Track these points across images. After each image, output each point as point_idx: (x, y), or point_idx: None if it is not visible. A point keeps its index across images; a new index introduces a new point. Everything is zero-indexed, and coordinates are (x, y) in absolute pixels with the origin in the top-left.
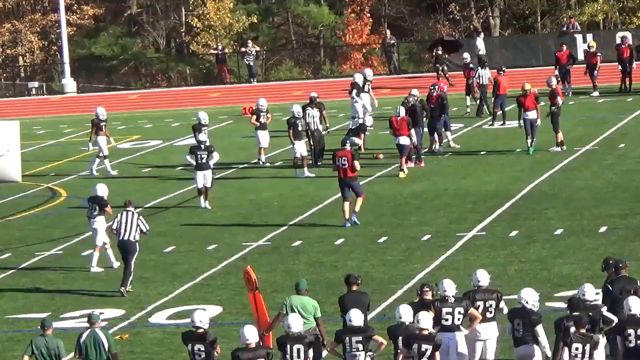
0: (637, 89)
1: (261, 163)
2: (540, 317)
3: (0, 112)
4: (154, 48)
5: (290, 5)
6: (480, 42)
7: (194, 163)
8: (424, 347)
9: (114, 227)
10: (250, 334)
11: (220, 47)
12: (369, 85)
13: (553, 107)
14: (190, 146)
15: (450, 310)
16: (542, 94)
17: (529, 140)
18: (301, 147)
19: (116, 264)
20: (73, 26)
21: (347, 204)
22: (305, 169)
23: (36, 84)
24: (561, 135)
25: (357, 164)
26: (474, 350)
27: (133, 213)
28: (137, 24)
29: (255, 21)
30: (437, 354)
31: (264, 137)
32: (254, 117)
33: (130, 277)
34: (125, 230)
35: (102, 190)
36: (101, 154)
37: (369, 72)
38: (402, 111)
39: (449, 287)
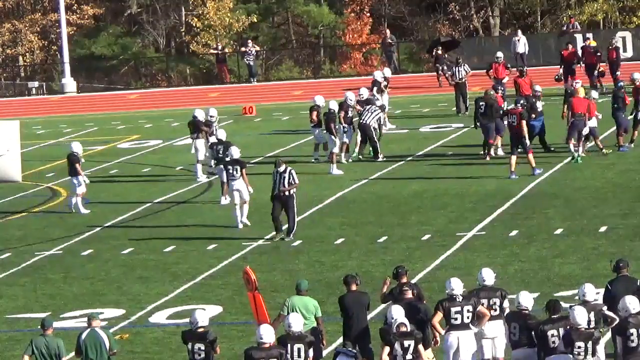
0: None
1: (314, 159)
2: (537, 321)
3: (0, 112)
4: (154, 48)
5: (290, 5)
6: (517, 41)
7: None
8: (406, 343)
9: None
10: (266, 333)
11: (220, 47)
12: (385, 85)
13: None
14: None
15: (459, 309)
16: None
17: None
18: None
19: (241, 225)
20: (73, 26)
21: (513, 158)
22: (334, 165)
23: (36, 83)
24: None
25: (524, 123)
26: (483, 349)
27: None
28: (137, 23)
29: (255, 21)
30: (421, 347)
31: (320, 134)
32: (315, 113)
33: None
34: None
35: (236, 152)
36: (198, 157)
37: (387, 72)
38: (595, 94)
39: (457, 286)
